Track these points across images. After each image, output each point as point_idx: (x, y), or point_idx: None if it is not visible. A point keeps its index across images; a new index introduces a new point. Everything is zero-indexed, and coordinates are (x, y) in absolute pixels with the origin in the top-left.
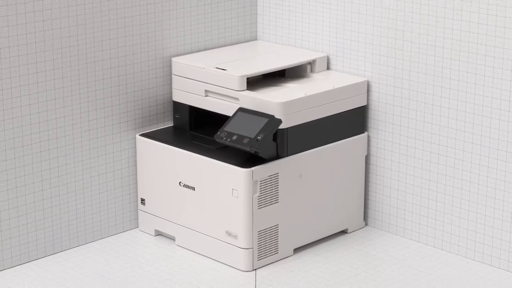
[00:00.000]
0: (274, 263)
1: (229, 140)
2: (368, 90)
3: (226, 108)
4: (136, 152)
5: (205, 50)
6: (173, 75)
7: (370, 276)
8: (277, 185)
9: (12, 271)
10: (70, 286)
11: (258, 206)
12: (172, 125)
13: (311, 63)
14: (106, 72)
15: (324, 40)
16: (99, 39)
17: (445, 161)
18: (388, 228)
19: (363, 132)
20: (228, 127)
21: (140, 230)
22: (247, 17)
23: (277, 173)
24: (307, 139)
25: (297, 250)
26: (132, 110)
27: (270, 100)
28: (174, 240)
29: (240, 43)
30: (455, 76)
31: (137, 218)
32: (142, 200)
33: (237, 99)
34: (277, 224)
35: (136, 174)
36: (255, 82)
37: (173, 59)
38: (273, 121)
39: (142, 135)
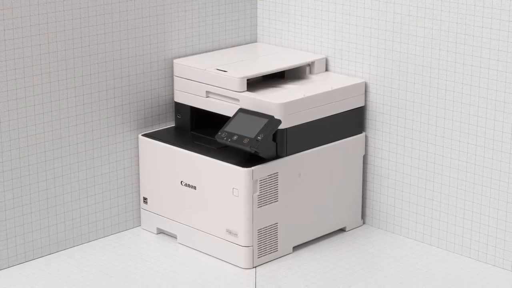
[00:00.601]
0: (274, 261)
1: (229, 140)
2: (365, 91)
3: (226, 108)
4: (138, 152)
5: (206, 52)
6: (174, 77)
7: (368, 273)
8: (277, 184)
9: (16, 269)
10: (74, 284)
11: (258, 205)
12: (173, 125)
13: (310, 65)
14: (109, 73)
15: (323, 42)
16: (102, 42)
17: (441, 160)
18: (386, 227)
19: (361, 133)
20: (229, 128)
21: (143, 229)
22: (247, 20)
23: (277, 173)
24: (306, 139)
25: (296, 248)
26: (134, 111)
27: (270, 101)
28: (176, 238)
29: (241, 45)
30: (451, 77)
31: (140, 217)
32: (145, 199)
33: (237, 100)
34: (277, 223)
35: (138, 174)
36: (255, 83)
37: (174, 61)
38: (272, 121)
39: (145, 135)
